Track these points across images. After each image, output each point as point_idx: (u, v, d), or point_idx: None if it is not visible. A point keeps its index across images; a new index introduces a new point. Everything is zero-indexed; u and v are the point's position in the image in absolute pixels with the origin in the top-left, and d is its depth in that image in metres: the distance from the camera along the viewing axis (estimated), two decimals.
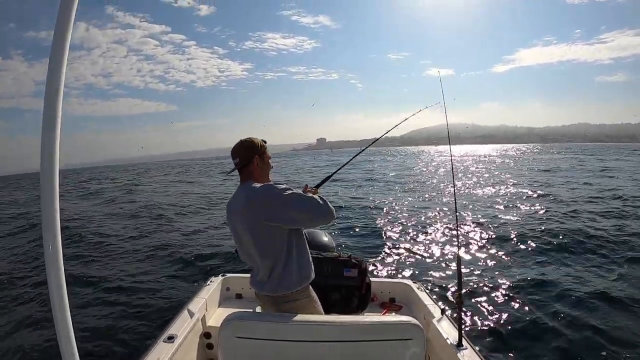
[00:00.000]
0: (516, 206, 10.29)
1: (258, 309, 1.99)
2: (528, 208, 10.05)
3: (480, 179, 18.28)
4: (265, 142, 1.86)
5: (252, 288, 1.83)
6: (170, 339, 1.98)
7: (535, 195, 12.21)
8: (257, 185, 1.72)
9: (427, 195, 11.99)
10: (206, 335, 2.42)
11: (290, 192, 1.66)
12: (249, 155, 1.79)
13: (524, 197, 11.89)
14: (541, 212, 9.56)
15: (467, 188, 14.43)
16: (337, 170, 2.77)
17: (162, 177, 33.44)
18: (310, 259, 1.81)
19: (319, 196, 1.73)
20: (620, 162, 30.33)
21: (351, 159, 3.09)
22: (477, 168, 27.84)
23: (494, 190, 13.84)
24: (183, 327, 2.12)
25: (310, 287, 1.80)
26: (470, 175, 20.30)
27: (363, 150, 3.57)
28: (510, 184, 15.65)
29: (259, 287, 1.77)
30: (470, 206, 10.13)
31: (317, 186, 2.38)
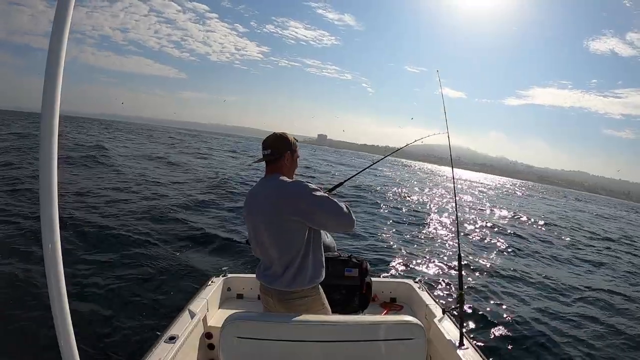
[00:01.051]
0: (515, 211, 10.29)
1: (258, 309, 1.98)
2: (526, 212, 10.03)
3: (477, 198, 18.27)
4: (297, 140, 1.86)
5: (261, 281, 1.81)
6: (172, 339, 1.98)
7: (532, 200, 12.18)
8: (287, 179, 1.71)
9: (427, 199, 11.99)
10: (207, 335, 2.42)
11: (320, 193, 1.65)
12: (282, 149, 1.76)
13: (523, 199, 11.88)
14: (540, 215, 9.54)
15: (467, 206, 14.43)
16: (352, 177, 2.79)
17: (166, 146, 32.85)
18: (323, 258, 1.81)
19: (345, 204, 1.70)
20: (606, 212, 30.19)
21: (362, 170, 3.17)
22: (473, 189, 27.83)
23: (490, 213, 13.86)
24: (184, 327, 2.12)
25: (319, 285, 1.80)
26: (467, 196, 20.31)
27: (375, 163, 3.61)
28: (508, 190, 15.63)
29: (269, 280, 1.74)
30: (471, 208, 10.11)
31: (331, 190, 2.35)
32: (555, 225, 11.78)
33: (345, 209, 1.66)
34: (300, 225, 1.65)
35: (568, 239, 8.31)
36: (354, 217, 1.69)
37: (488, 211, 10.39)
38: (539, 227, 9.52)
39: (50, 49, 0.77)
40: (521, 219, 9.99)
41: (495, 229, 7.73)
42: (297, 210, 1.62)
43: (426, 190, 19.53)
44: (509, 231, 7.49)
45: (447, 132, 2.68)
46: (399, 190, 18.56)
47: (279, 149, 1.76)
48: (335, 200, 1.67)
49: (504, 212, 13.94)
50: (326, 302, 1.83)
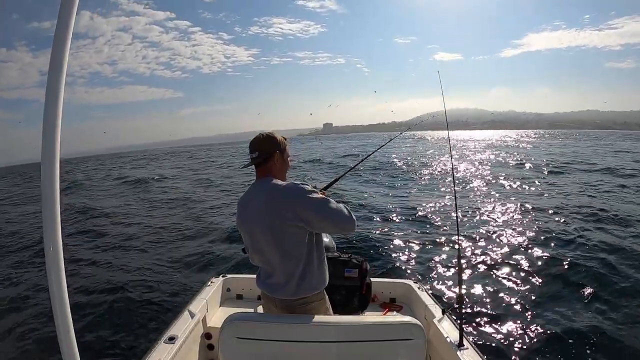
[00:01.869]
0: (517, 203, 10.27)
1: (260, 309, 1.98)
2: (529, 205, 10.02)
3: (482, 170, 18.16)
4: (286, 138, 1.77)
5: (262, 290, 1.75)
6: (171, 339, 1.98)
7: (535, 191, 12.16)
8: (280, 182, 1.63)
9: (427, 192, 11.98)
10: (207, 336, 2.42)
11: (316, 194, 1.58)
12: (270, 150, 1.68)
13: (525, 193, 11.86)
14: (542, 209, 9.54)
15: (467, 181, 14.37)
16: (345, 174, 2.76)
17: (165, 166, 33.14)
18: (326, 261, 1.74)
19: (345, 205, 1.63)
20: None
21: (357, 165, 3.12)
22: (479, 156, 27.68)
23: (494, 183, 13.82)
24: (184, 327, 2.12)
25: (324, 291, 1.74)
26: (470, 166, 20.21)
27: (373, 153, 3.50)
28: (512, 177, 15.51)
29: (271, 289, 1.67)
30: (471, 205, 10.12)
31: (325, 188, 2.25)
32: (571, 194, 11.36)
33: (345, 210, 1.60)
34: (300, 229, 1.58)
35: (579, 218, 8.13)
36: (354, 218, 1.61)
37: (489, 200, 10.35)
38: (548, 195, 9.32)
39: (52, 55, 0.78)
40: (524, 201, 9.84)
41: (497, 225, 7.74)
42: (295, 215, 1.54)
43: (425, 170, 19.52)
44: (511, 226, 7.51)
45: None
46: (401, 172, 18.53)
47: (266, 150, 1.67)
48: (334, 201, 1.60)
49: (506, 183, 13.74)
50: (329, 305, 1.80)
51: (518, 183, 13.82)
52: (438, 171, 18.44)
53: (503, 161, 23.13)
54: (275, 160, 1.69)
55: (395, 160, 23.93)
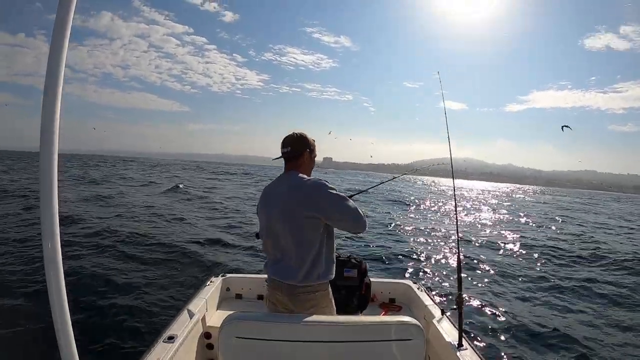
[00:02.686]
0: (515, 213, 10.31)
1: (256, 309, 1.98)
2: (525, 218, 10.06)
3: (480, 206, 18.33)
4: (314, 140, 1.92)
5: (271, 275, 1.80)
6: (171, 339, 1.97)
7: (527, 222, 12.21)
8: (305, 177, 1.76)
9: (427, 199, 12.00)
10: (206, 335, 2.42)
11: (336, 192, 1.70)
12: (302, 148, 1.82)
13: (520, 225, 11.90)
14: (536, 218, 9.56)
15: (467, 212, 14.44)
16: (359, 192, 2.82)
17: (166, 175, 33.41)
18: (334, 256, 1.84)
19: (359, 207, 1.75)
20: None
21: (369, 188, 3.28)
22: (477, 198, 27.84)
23: (492, 216, 13.91)
24: (183, 327, 2.12)
25: (329, 282, 1.83)
26: (469, 206, 20.36)
27: (383, 182, 3.65)
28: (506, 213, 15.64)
29: (281, 274, 1.75)
30: (471, 209, 10.12)
31: (350, 196, 2.36)
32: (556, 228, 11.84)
33: (360, 211, 1.72)
34: (317, 221, 1.69)
35: (568, 238, 8.36)
36: (366, 221, 1.74)
37: (486, 215, 10.42)
38: (536, 228, 9.63)
39: (49, 57, 0.78)
40: (518, 220, 10.02)
41: (496, 227, 7.74)
42: (316, 207, 1.66)
43: (427, 200, 19.58)
44: (506, 234, 7.51)
45: (448, 137, 2.65)
46: (403, 198, 18.60)
47: (298, 147, 1.81)
48: (351, 201, 1.72)
49: (503, 216, 13.95)
50: (332, 298, 1.85)
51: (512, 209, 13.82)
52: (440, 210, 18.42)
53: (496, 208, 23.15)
54: (304, 158, 1.84)
55: (399, 193, 24.10)
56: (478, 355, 1.86)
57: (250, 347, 1.50)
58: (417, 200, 19.26)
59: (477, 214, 13.35)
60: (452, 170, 2.63)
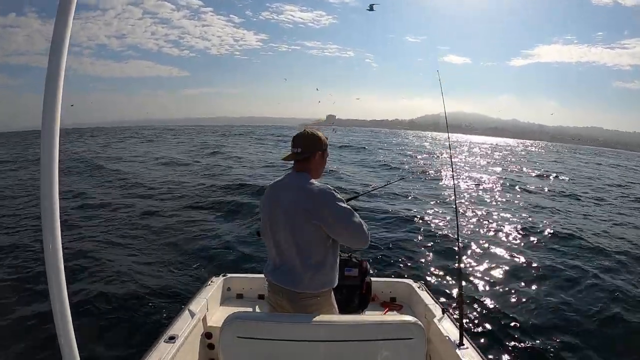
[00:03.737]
0: (517, 205, 10.31)
1: (257, 309, 1.98)
2: (529, 206, 10.06)
3: (482, 172, 18.30)
4: (327, 138, 1.86)
5: (270, 279, 1.78)
6: (172, 339, 1.98)
7: (535, 194, 12.22)
8: (316, 183, 1.70)
9: (426, 192, 11.99)
10: (207, 335, 2.42)
11: (344, 205, 1.66)
12: (313, 149, 1.75)
13: (525, 196, 11.90)
14: (541, 211, 9.56)
15: (468, 179, 14.43)
16: (367, 192, 2.78)
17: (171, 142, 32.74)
18: (338, 262, 1.80)
19: (364, 222, 1.71)
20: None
21: (378, 188, 3.14)
22: (480, 160, 27.81)
23: (493, 185, 13.88)
24: (184, 327, 2.12)
25: (332, 289, 1.80)
26: (472, 167, 20.33)
27: (388, 184, 3.55)
28: (511, 180, 15.63)
29: (281, 279, 1.71)
30: (471, 205, 10.13)
31: (348, 200, 2.29)
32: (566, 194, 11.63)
33: (364, 227, 1.67)
34: (320, 230, 1.65)
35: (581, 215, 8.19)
36: (369, 237, 1.70)
37: (489, 200, 10.38)
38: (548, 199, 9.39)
39: (50, 54, 0.78)
40: (525, 203, 9.91)
41: (498, 224, 7.74)
42: (320, 217, 1.62)
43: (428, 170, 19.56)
44: (511, 226, 7.51)
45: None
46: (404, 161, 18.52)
47: (309, 149, 1.75)
48: (357, 216, 1.68)
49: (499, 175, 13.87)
50: (335, 302, 1.83)
51: (516, 187, 13.85)
52: (438, 171, 18.46)
53: (501, 166, 23.20)
54: (316, 159, 1.77)
55: (398, 159, 23.96)
56: (479, 354, 1.86)
57: (251, 346, 1.50)
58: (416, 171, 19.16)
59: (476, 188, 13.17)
60: (451, 169, 2.62)
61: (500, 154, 39.83)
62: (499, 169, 21.36)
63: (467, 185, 14.08)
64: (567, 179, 18.13)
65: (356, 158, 22.97)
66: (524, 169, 21.75)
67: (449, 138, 2.79)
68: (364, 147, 28.48)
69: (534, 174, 19.55)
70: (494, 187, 13.83)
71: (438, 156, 27.57)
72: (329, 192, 1.66)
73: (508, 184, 14.53)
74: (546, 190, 13.20)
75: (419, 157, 25.80)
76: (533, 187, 13.74)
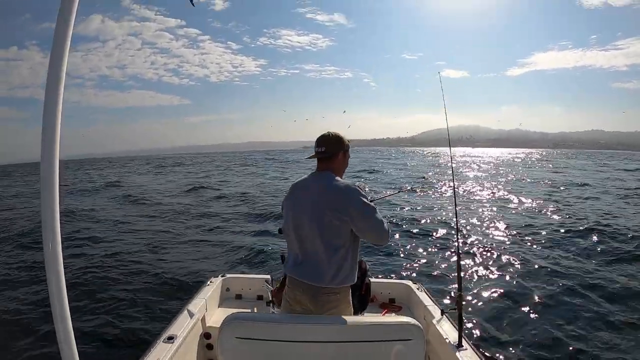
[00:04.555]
0: (514, 208, 10.33)
1: (256, 310, 1.98)
2: (526, 210, 10.08)
3: (481, 182, 18.37)
4: (349, 141, 1.91)
5: (291, 275, 1.78)
6: (170, 339, 1.98)
7: (532, 199, 12.24)
8: (341, 180, 1.75)
9: (426, 196, 12.01)
10: (206, 335, 2.42)
11: (368, 201, 1.70)
12: (337, 149, 1.81)
13: (521, 201, 11.92)
14: (539, 214, 9.58)
15: (467, 192, 14.47)
16: (379, 198, 2.79)
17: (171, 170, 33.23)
18: (358, 260, 1.84)
19: (386, 220, 1.75)
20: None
21: (391, 195, 3.13)
22: (479, 172, 27.94)
23: (492, 193, 13.92)
24: (183, 327, 2.12)
25: (350, 287, 1.83)
26: (471, 180, 20.40)
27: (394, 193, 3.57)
28: (508, 187, 15.69)
29: (303, 274, 1.74)
30: (470, 207, 10.14)
31: (373, 200, 2.35)
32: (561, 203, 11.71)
33: (385, 224, 1.71)
34: (345, 225, 1.68)
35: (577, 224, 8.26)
36: (389, 235, 1.74)
37: (488, 205, 10.40)
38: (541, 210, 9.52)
39: (50, 59, 0.78)
40: (521, 207, 9.94)
41: (496, 226, 7.75)
42: (347, 212, 1.66)
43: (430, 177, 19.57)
44: (510, 228, 7.52)
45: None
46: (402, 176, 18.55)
47: (334, 148, 1.80)
48: (380, 215, 1.72)
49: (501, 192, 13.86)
50: (351, 299, 1.85)
51: (514, 193, 13.86)
52: (440, 181, 18.48)
53: (501, 176, 23.21)
54: (339, 158, 1.83)
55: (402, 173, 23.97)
56: (478, 355, 1.86)
57: (250, 347, 1.50)
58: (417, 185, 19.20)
59: (477, 195, 13.20)
60: (453, 177, 2.62)
61: (493, 164, 40.08)
62: (497, 179, 21.44)
63: (466, 191, 14.13)
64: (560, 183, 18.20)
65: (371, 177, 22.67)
66: (520, 178, 21.80)
67: (449, 145, 2.78)
68: (374, 170, 28.13)
69: (529, 181, 19.60)
70: (492, 193, 13.88)
71: (441, 170, 27.57)
72: (355, 188, 1.71)
73: (506, 190, 14.59)
74: (542, 195, 13.24)
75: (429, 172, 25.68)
76: (529, 193, 13.78)
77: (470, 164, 39.94)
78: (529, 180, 20.30)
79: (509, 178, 21.75)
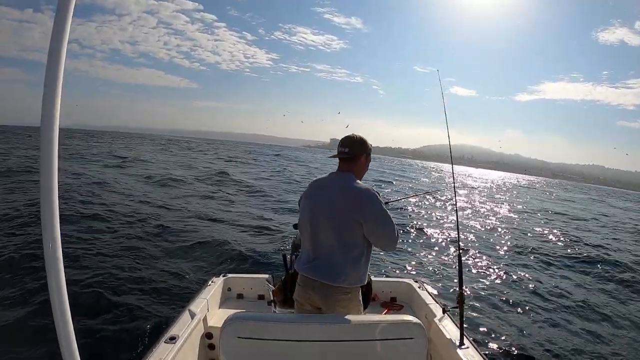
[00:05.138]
0: (516, 212, 10.33)
1: (258, 309, 1.97)
2: (526, 216, 10.08)
3: (481, 196, 18.43)
4: (371, 145, 1.95)
5: (304, 273, 1.80)
6: (172, 339, 1.97)
7: (533, 217, 12.25)
8: (362, 184, 1.78)
9: (429, 199, 12.02)
10: (208, 335, 2.42)
11: (385, 209, 1.73)
12: (360, 152, 1.84)
13: (523, 214, 11.94)
14: (540, 219, 9.57)
15: (470, 204, 14.49)
16: (387, 202, 2.80)
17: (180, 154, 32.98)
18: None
19: (397, 228, 1.78)
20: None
21: (399, 199, 3.14)
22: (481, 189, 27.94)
23: (494, 208, 13.94)
24: (184, 327, 2.12)
25: (360, 287, 1.85)
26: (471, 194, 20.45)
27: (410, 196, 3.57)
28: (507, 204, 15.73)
29: (317, 272, 1.75)
30: (472, 208, 10.13)
31: (386, 203, 2.37)
32: (557, 221, 11.98)
33: (396, 232, 1.74)
34: (361, 227, 1.71)
35: (569, 236, 8.41)
36: (398, 242, 1.78)
37: (489, 208, 10.44)
38: (538, 222, 9.71)
39: (50, 52, 0.77)
40: (521, 215, 10.04)
41: (497, 225, 7.75)
42: (363, 215, 1.69)
43: (429, 185, 19.59)
44: (508, 228, 7.52)
45: (448, 137, 2.65)
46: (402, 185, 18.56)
47: (358, 150, 1.83)
48: (394, 223, 1.74)
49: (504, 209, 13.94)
50: (362, 301, 1.88)
51: (516, 210, 13.83)
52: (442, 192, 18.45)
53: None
54: (361, 160, 1.86)
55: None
56: (479, 354, 1.86)
57: (251, 347, 1.50)
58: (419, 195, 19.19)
59: (479, 206, 13.26)
60: (454, 187, 2.62)
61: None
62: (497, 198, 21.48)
63: (469, 203, 14.15)
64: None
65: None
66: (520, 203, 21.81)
67: (451, 154, 2.78)
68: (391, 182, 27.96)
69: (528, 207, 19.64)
70: (495, 208, 13.87)
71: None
72: (373, 193, 1.74)
73: (507, 206, 14.60)
74: (542, 208, 13.27)
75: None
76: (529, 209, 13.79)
77: (472, 188, 40.14)
78: (531, 202, 20.32)
79: (512, 197, 21.77)
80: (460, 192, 20.87)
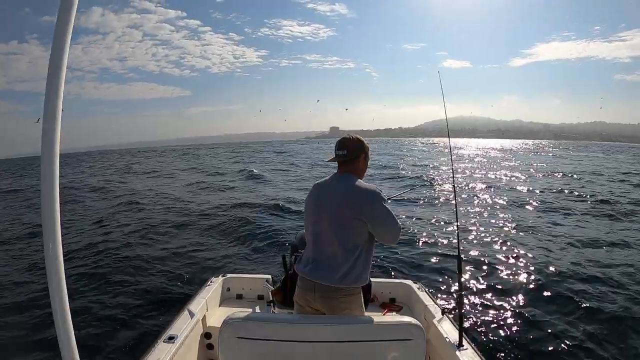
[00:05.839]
0: (516, 206, 10.32)
1: (257, 310, 1.98)
2: (527, 208, 10.07)
3: (482, 174, 18.36)
4: (369, 144, 1.98)
5: (304, 275, 1.80)
6: (171, 339, 1.98)
7: (533, 195, 12.23)
8: (363, 183, 1.81)
9: (427, 194, 12.00)
10: (207, 335, 2.43)
11: (387, 206, 1.76)
12: (358, 152, 1.87)
13: (523, 196, 11.91)
14: (540, 212, 9.57)
15: (468, 186, 14.45)
16: (406, 191, 2.82)
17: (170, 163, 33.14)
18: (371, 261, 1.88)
19: (399, 222, 1.82)
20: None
21: (397, 195, 3.24)
22: (480, 164, 27.87)
23: (493, 188, 13.89)
24: (183, 327, 2.12)
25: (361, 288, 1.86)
26: (472, 171, 20.38)
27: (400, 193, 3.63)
28: (511, 181, 15.67)
29: (317, 274, 1.76)
30: (471, 206, 10.13)
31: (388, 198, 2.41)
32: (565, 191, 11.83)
33: (398, 226, 1.78)
34: (363, 225, 1.73)
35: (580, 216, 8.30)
36: (399, 238, 1.81)
37: (489, 201, 10.42)
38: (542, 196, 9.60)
39: (50, 61, 0.78)
40: (523, 204, 9.96)
41: (497, 225, 7.74)
42: (367, 213, 1.71)
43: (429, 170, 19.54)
44: (510, 226, 7.52)
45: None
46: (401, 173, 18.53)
47: (355, 151, 1.86)
48: (396, 217, 1.77)
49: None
50: (363, 303, 1.88)
51: (515, 187, 13.85)
52: (439, 175, 18.46)
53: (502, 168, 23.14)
54: (360, 161, 1.89)
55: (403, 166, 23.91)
56: (479, 355, 1.86)
57: (250, 347, 1.50)
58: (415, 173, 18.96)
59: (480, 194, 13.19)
60: (453, 177, 2.62)
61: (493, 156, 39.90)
62: (497, 172, 21.45)
63: (468, 189, 14.12)
64: (560, 176, 18.21)
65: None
66: (520, 172, 21.77)
67: (449, 142, 2.78)
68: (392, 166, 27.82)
69: (526, 176, 19.60)
70: (494, 190, 13.86)
71: (439, 164, 27.46)
72: (377, 191, 1.77)
73: (506, 187, 14.58)
74: (544, 191, 13.24)
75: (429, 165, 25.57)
76: (530, 189, 13.76)
77: (474, 157, 39.71)
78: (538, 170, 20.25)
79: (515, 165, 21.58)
80: (460, 173, 20.57)
